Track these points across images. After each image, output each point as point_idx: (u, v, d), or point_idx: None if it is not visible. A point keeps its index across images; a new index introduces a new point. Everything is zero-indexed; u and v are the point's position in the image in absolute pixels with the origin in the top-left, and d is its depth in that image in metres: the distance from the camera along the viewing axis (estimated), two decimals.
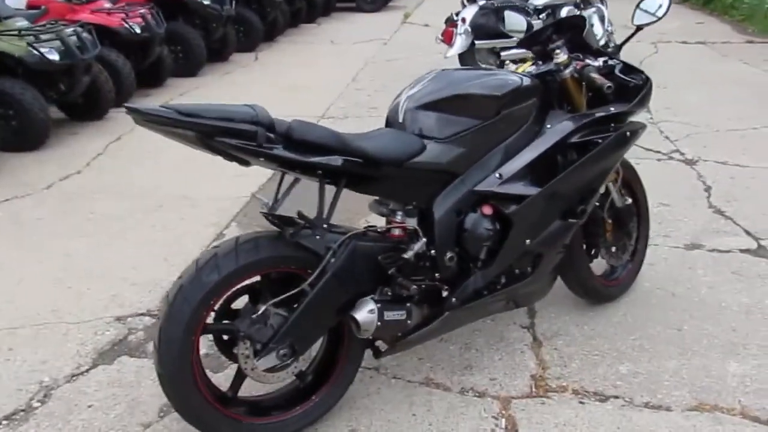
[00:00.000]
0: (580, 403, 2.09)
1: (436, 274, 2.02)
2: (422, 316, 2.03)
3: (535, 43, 2.35)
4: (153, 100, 6.15)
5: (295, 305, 1.82)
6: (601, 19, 6.32)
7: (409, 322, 1.96)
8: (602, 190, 2.24)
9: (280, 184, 1.90)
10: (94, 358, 2.43)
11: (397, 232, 2.00)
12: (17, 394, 2.24)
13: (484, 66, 2.09)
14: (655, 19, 2.34)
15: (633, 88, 2.23)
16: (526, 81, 2.08)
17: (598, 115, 2.17)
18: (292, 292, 1.83)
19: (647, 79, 2.24)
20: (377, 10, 11.88)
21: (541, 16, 6.13)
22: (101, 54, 5.38)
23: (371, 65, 7.43)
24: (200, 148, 1.72)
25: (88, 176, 4.31)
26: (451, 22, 5.91)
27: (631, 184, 2.64)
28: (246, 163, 1.78)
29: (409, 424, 2.03)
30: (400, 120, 2.01)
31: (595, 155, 2.13)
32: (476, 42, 5.69)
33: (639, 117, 2.40)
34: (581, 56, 2.23)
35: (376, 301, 1.89)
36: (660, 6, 2.33)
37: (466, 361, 2.32)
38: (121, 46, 5.79)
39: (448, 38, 5.81)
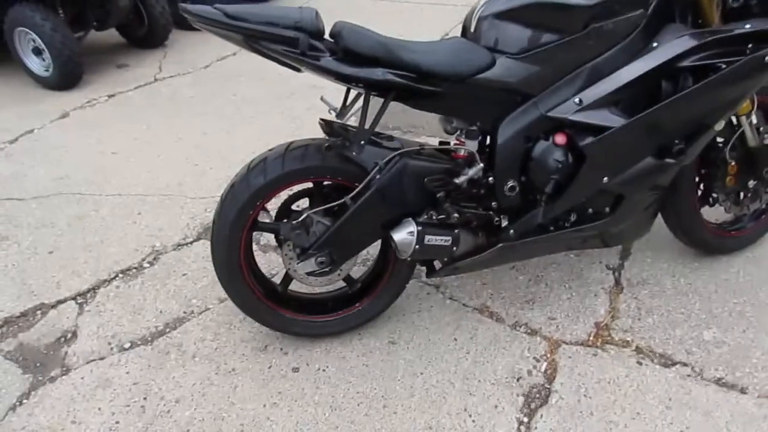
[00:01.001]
0: (638, 363, 1.90)
1: (493, 203, 1.89)
2: (474, 244, 1.93)
3: None
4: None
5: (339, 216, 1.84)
6: None
7: (455, 248, 1.88)
8: (719, 126, 1.85)
9: (348, 90, 1.86)
10: (200, 232, 2.71)
11: (455, 153, 1.88)
12: (134, 253, 2.61)
13: None
14: None
15: None
16: None
17: (726, 33, 1.75)
18: (334, 203, 1.84)
19: None
20: None
21: None
22: None
23: None
24: (251, 51, 1.72)
25: (240, 59, 4.59)
26: None
27: None
28: (297, 69, 1.75)
29: (446, 348, 2.02)
30: (473, 30, 1.81)
31: (711, 83, 1.74)
32: None
33: None
34: None
35: (419, 224, 1.83)
36: None
37: (530, 295, 2.19)
38: None
39: None
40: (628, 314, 2.08)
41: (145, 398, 1.94)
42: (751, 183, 2.13)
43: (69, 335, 2.21)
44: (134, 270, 2.52)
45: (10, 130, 3.70)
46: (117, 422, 1.86)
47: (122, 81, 4.31)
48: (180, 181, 3.08)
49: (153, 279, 2.46)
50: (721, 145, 2.03)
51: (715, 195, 2.13)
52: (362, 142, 1.75)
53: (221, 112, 3.76)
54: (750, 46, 1.77)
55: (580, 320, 2.07)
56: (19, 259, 2.60)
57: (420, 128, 3.39)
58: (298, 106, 3.74)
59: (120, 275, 2.49)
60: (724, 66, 1.75)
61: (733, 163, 2.05)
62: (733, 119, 2.03)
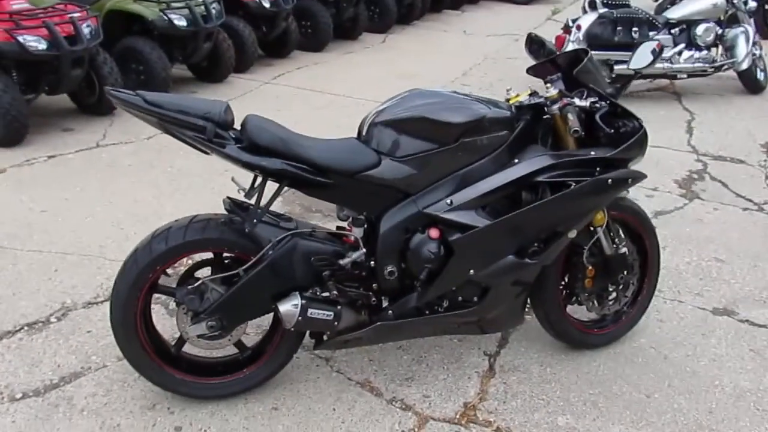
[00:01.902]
0: None
1: (374, 285, 2.10)
2: (356, 321, 2.13)
3: (540, 72, 2.29)
4: (272, 71, 6.64)
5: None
6: (747, 39, 5.71)
7: (336, 323, 2.07)
8: (572, 234, 2.15)
9: (255, 175, 2.08)
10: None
11: (345, 237, 2.11)
12: (43, 308, 2.69)
13: (460, 93, 2.04)
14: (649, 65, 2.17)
15: (627, 134, 2.11)
16: (495, 112, 2.06)
17: (575, 156, 2.09)
18: (228, 273, 2.03)
19: (640, 127, 2.10)
20: (528, 2, 11.50)
21: (673, 31, 5.66)
22: (229, 23, 5.93)
23: (489, 61, 7.33)
24: (165, 133, 1.95)
25: None
26: (565, 28, 5.66)
27: (641, 233, 2.48)
28: (205, 152, 1.98)
29: (324, 416, 2.16)
30: (364, 133, 2.09)
31: (561, 198, 2.05)
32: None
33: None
34: (571, 94, 2.14)
35: (303, 297, 2.02)
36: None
37: (411, 373, 2.38)
38: (250, 17, 6.29)
39: (558, 45, 5.58)
40: (495, 397, 2.28)
41: None
42: (611, 287, 2.43)
43: None
44: (40, 324, 2.60)
45: None
46: None
47: (65, 144, 4.47)
48: (102, 243, 3.20)
49: (57, 334, 2.54)
50: (581, 250, 2.32)
51: (577, 294, 2.40)
52: (255, 220, 1.97)
53: (156, 182, 3.95)
54: (598, 169, 2.12)
55: (451, 399, 2.26)
56: None
57: None
58: (230, 182, 3.95)
59: (25, 328, 2.57)
60: (573, 184, 2.07)
61: (590, 267, 2.33)
62: (592, 229, 2.32)
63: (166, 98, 1.90)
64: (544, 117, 2.16)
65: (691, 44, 5.70)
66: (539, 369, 2.43)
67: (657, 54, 2.10)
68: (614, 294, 2.45)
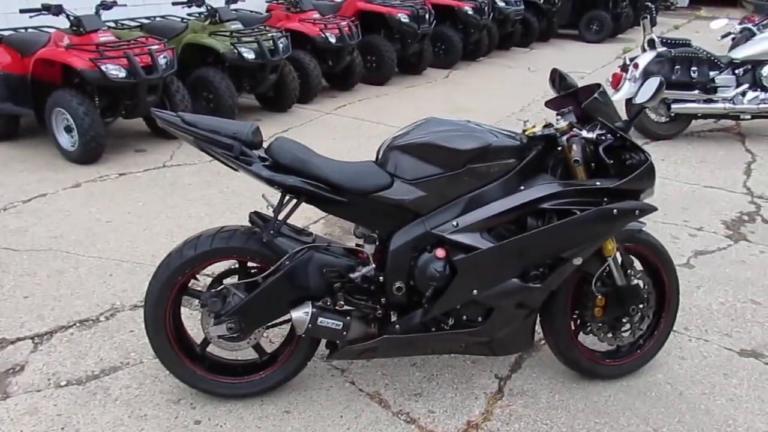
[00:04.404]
0: None
1: (382, 299, 2.23)
2: (365, 333, 2.25)
3: (558, 105, 2.38)
4: (335, 102, 6.95)
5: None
6: None
7: (344, 333, 2.20)
8: (577, 261, 2.20)
9: (284, 194, 2.28)
10: None
11: (360, 253, 2.25)
12: (95, 307, 2.97)
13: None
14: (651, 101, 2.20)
15: (634, 166, 2.16)
16: (502, 141, 2.16)
17: (579, 186, 2.16)
18: (248, 280, 2.21)
19: (646, 159, 2.15)
20: (600, 41, 11.46)
21: (737, 71, 5.55)
22: (296, 56, 6.30)
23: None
24: (201, 151, 2.18)
25: None
26: (623, 66, 5.66)
27: (658, 267, 2.49)
28: (235, 169, 2.19)
29: (332, 422, 2.28)
30: (380, 156, 2.24)
31: (564, 224, 2.12)
32: None
33: None
34: (580, 126, 2.21)
35: (315, 306, 2.17)
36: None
37: (420, 389, 2.46)
38: (316, 51, 6.66)
39: (615, 83, 5.57)
40: (499, 418, 2.33)
41: (62, 429, 2.23)
42: (624, 318, 2.44)
43: (18, 368, 2.54)
44: (90, 321, 2.87)
45: (26, 192, 4.23)
46: None
47: (135, 163, 4.88)
48: (154, 253, 3.49)
49: (104, 331, 2.80)
50: (590, 278, 2.36)
51: (587, 323, 2.43)
52: (272, 231, 2.15)
53: (210, 200, 4.25)
54: (605, 199, 2.17)
55: (455, 417, 2.32)
56: None
57: None
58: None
59: (77, 324, 2.84)
60: (578, 212, 2.13)
61: (600, 297, 2.36)
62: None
63: (201, 119, 2.13)
64: (558, 148, 2.24)
65: (756, 85, 5.56)
66: (548, 395, 2.45)
67: (658, 89, 2.13)
68: (627, 325, 2.46)
